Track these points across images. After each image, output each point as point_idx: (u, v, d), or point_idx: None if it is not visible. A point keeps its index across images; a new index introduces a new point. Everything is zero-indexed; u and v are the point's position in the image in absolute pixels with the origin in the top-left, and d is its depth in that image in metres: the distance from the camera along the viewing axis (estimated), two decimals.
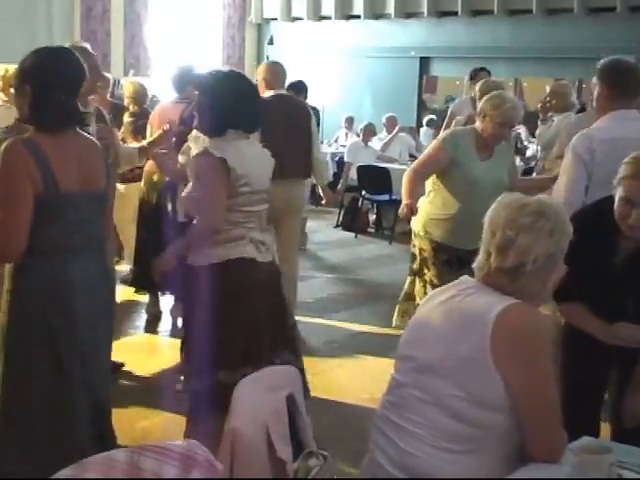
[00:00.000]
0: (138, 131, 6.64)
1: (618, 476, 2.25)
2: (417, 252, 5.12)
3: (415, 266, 5.15)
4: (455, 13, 12.67)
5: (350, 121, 13.21)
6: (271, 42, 15.24)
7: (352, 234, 10.68)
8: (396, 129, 11.77)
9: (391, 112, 12.14)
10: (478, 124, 4.90)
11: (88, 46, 5.12)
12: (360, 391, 5.16)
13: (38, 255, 3.05)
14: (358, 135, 11.93)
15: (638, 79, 4.29)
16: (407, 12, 13.26)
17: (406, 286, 5.31)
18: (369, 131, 11.50)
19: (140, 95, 7.20)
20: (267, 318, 3.80)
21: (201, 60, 12.59)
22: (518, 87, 13.05)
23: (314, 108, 6.88)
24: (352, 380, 5.48)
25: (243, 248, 3.75)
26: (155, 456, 1.93)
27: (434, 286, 4.95)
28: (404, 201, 4.88)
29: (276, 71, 6.52)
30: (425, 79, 13.73)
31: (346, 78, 14.03)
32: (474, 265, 2.56)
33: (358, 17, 13.79)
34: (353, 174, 10.91)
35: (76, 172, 3.10)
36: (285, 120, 6.11)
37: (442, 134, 5.04)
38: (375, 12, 13.61)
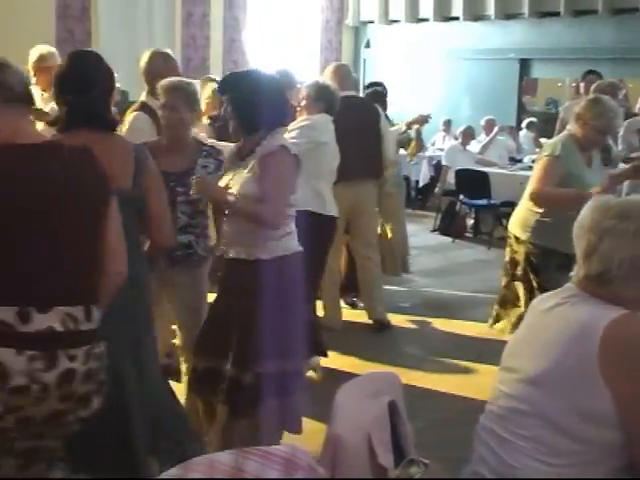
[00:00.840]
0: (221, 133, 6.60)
1: None
2: (521, 258, 5.03)
3: (519, 272, 5.07)
4: (557, 14, 12.42)
5: (448, 124, 13.11)
6: (368, 45, 15.23)
7: (449, 239, 10.58)
8: (495, 130, 11.60)
9: (490, 115, 12.00)
10: (575, 129, 4.79)
11: (170, 51, 5.31)
12: (456, 398, 5.10)
13: None
14: (456, 138, 11.81)
15: None
16: (507, 13, 13.07)
17: (502, 290, 5.24)
18: (467, 134, 11.38)
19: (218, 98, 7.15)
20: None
21: (298, 64, 12.69)
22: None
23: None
24: (448, 386, 5.42)
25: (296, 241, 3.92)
26: (258, 459, 1.93)
27: (544, 290, 4.86)
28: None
29: (343, 73, 6.59)
30: (525, 81, 13.51)
31: (444, 81, 13.92)
32: (571, 273, 2.49)
33: (457, 19, 13.66)
34: (451, 178, 10.82)
35: None
36: (353, 121, 6.14)
37: (550, 147, 4.90)
38: (474, 13, 13.46)
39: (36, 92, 6.13)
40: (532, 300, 4.88)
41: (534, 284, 4.98)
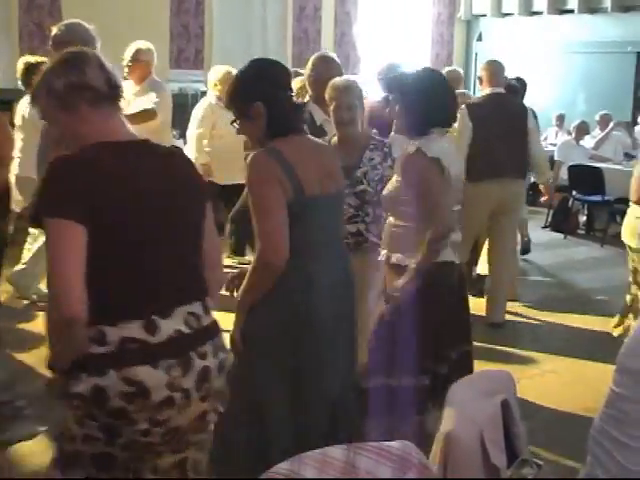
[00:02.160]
0: None
1: None
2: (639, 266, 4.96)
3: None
4: None
5: (561, 119, 12.82)
6: (480, 39, 15.05)
7: (561, 235, 10.36)
8: (610, 125, 11.30)
9: (605, 110, 11.68)
10: None
11: (334, 55, 5.32)
12: (570, 397, 5.02)
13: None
14: (570, 133, 11.55)
15: None
16: (624, 5, 12.71)
17: (628, 298, 5.14)
18: (581, 129, 11.11)
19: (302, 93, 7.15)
20: (452, 317, 3.74)
21: (409, 58, 12.62)
22: None
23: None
24: (562, 385, 5.32)
25: (445, 251, 3.71)
26: (371, 455, 1.94)
27: None
28: None
29: (494, 69, 6.52)
30: None
31: (558, 75, 13.63)
32: None
33: (572, 11, 13.36)
34: (563, 173, 10.58)
35: (316, 175, 3.10)
36: (500, 119, 6.07)
37: None
38: (590, 6, 13.12)
39: (128, 86, 6.37)
40: None
41: None
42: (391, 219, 3.85)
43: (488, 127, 5.69)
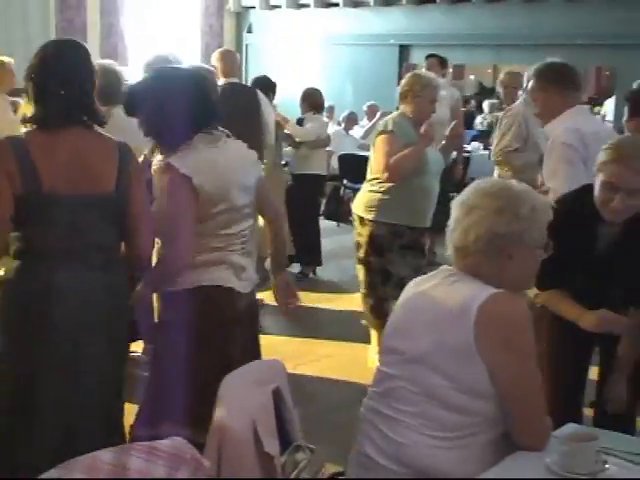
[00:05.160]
0: None
1: (604, 462, 2.26)
2: (364, 240, 5.18)
3: (361, 254, 5.23)
4: (434, 0, 12.64)
5: (331, 110, 13.15)
6: (250, 30, 15.15)
7: (334, 223, 10.66)
8: (377, 116, 11.72)
9: (372, 100, 12.10)
10: (405, 106, 5.21)
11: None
12: (346, 380, 5.16)
13: (22, 257, 2.95)
14: (339, 124, 11.89)
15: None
16: (386, 0, 13.23)
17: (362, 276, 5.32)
18: (350, 120, 11.49)
19: None
20: (241, 356, 3.19)
21: (179, 49, 12.50)
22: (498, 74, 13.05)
23: None
24: (338, 369, 5.47)
25: (219, 274, 3.24)
26: (142, 455, 1.91)
27: (385, 273, 5.03)
28: None
29: (230, 59, 6.60)
30: (405, 67, 13.69)
31: (326, 67, 13.97)
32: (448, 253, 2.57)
33: (337, 5, 13.72)
34: (335, 163, 10.87)
35: (72, 172, 2.94)
36: (238, 109, 6.17)
37: (382, 125, 5.24)
38: (354, 0, 13.57)
39: None
40: (371, 282, 5.12)
41: (375, 266, 5.11)
42: None
43: (226, 118, 5.77)
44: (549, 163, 4.23)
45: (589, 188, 3.20)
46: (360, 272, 5.24)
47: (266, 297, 6.53)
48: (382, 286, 5.11)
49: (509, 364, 2.36)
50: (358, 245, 5.25)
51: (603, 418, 3.40)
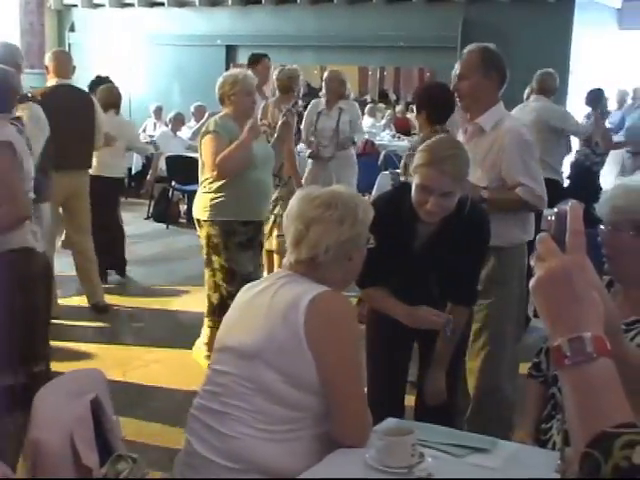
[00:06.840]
0: None
1: (420, 455, 2.34)
2: (204, 242, 5.23)
3: (203, 256, 5.27)
4: (259, 1, 12.70)
5: (159, 111, 12.99)
6: (73, 29, 14.75)
7: (164, 225, 10.54)
8: (205, 116, 11.66)
9: (200, 101, 12.02)
10: (226, 108, 5.32)
11: None
12: (177, 385, 5.12)
13: None
14: (167, 125, 11.75)
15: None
16: (212, 0, 13.18)
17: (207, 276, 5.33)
18: (178, 120, 11.38)
19: None
20: (44, 312, 3.72)
21: None
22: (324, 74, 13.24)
23: None
24: (169, 374, 5.42)
25: (25, 237, 3.61)
26: None
27: (227, 271, 5.06)
28: None
29: (64, 59, 6.53)
30: (232, 67, 13.69)
31: (152, 67, 13.79)
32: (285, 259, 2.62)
33: (162, 5, 13.57)
34: (162, 164, 10.75)
35: None
36: (70, 110, 6.11)
37: (207, 125, 5.32)
38: (179, 0, 13.45)
39: None
40: (215, 281, 5.16)
41: (216, 266, 5.14)
42: None
43: (57, 119, 5.64)
44: (516, 159, 3.93)
45: (407, 187, 3.30)
46: (205, 272, 5.26)
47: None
48: (227, 285, 5.10)
49: (333, 356, 2.43)
50: (201, 247, 5.28)
51: (423, 411, 3.51)
